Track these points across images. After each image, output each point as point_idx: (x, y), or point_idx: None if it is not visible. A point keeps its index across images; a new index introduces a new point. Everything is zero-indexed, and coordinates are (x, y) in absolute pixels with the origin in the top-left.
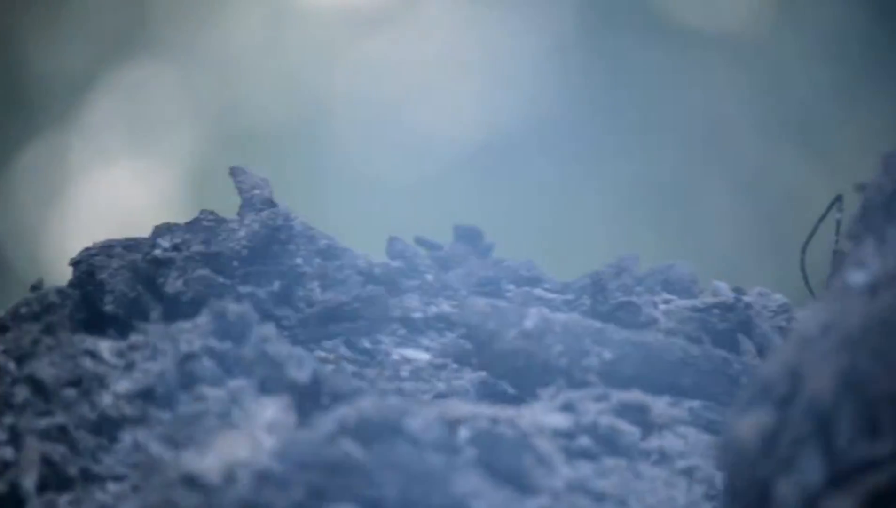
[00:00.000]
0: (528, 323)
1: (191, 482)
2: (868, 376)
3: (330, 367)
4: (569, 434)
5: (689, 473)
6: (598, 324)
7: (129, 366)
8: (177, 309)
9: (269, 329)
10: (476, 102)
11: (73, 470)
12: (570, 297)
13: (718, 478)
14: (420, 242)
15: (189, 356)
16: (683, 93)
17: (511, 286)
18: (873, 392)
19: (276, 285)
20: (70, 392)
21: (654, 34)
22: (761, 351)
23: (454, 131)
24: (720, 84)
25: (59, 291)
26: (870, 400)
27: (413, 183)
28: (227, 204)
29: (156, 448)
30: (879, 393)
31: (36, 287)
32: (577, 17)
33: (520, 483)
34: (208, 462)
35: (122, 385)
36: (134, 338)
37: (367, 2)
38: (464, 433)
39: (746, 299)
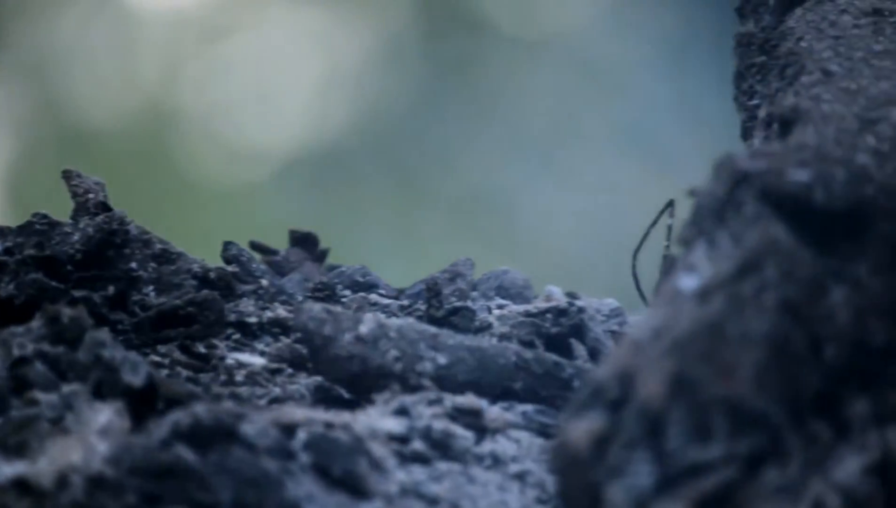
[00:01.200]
0: (364, 328)
1: (22, 487)
2: (698, 380)
3: (164, 372)
4: (403, 439)
5: (521, 477)
6: (432, 329)
7: None
8: (9, 313)
9: (103, 334)
10: (311, 106)
11: None
12: (405, 302)
13: (551, 482)
14: (255, 246)
15: (21, 361)
16: (519, 99)
17: (347, 292)
18: (704, 397)
19: (111, 290)
20: None
21: (489, 41)
22: (594, 355)
23: (288, 135)
24: (553, 90)
25: None
26: (700, 404)
27: (246, 187)
28: (54, 207)
29: None
30: (709, 397)
31: None
32: (413, 23)
33: (354, 488)
34: (40, 467)
35: None
36: None
37: (206, 8)
38: (299, 437)
39: (579, 303)
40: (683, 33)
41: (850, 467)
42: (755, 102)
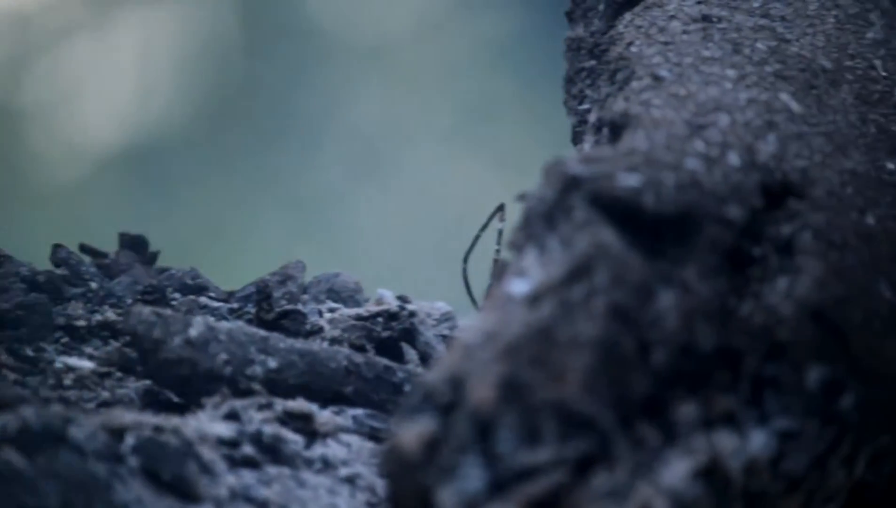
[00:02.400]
0: (193, 332)
1: None
2: (529, 384)
3: None
4: (233, 443)
5: (351, 481)
6: (262, 332)
7: None
8: None
9: None
10: (144, 106)
11: None
12: (235, 305)
13: (381, 486)
14: (85, 249)
15: None
16: (353, 104)
17: (176, 295)
18: (534, 401)
19: None
20: None
21: (320, 47)
22: (424, 359)
23: (116, 136)
24: (386, 94)
25: None
26: (530, 409)
27: (73, 189)
28: None
29: None
30: (540, 402)
31: None
32: (240, 28)
33: (183, 492)
34: None
35: None
36: None
37: (46, 8)
38: (128, 441)
39: (410, 307)
40: (518, 36)
41: (677, 470)
42: (585, 106)
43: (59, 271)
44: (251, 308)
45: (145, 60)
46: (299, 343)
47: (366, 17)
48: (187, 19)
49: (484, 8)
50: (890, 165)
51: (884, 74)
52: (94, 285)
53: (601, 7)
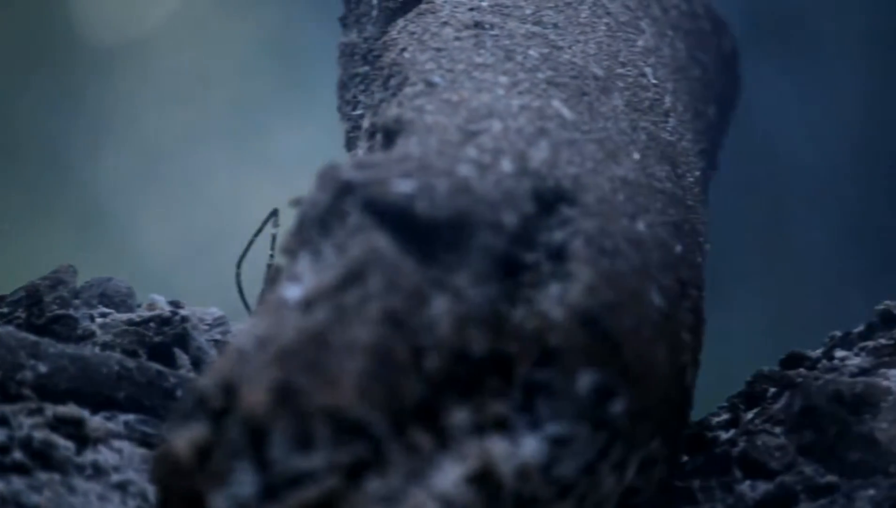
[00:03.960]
0: None
1: None
2: (302, 390)
3: None
4: (2, 448)
5: (123, 487)
6: (33, 337)
7: None
8: None
9: None
10: None
11: None
12: (4, 310)
13: (152, 492)
14: None
15: None
16: (128, 110)
17: None
18: (307, 406)
19: None
20: None
21: (84, 49)
22: (197, 365)
23: None
24: (163, 97)
25: None
26: (303, 414)
27: None
28: None
29: None
30: (313, 407)
31: None
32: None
33: None
34: None
35: None
36: None
37: None
38: None
39: (183, 312)
40: (292, 37)
41: (449, 476)
42: (359, 112)
43: None
44: (21, 313)
45: None
46: (70, 348)
47: (121, 19)
48: None
49: (252, 5)
50: (660, 172)
51: (654, 81)
52: None
53: (374, 13)
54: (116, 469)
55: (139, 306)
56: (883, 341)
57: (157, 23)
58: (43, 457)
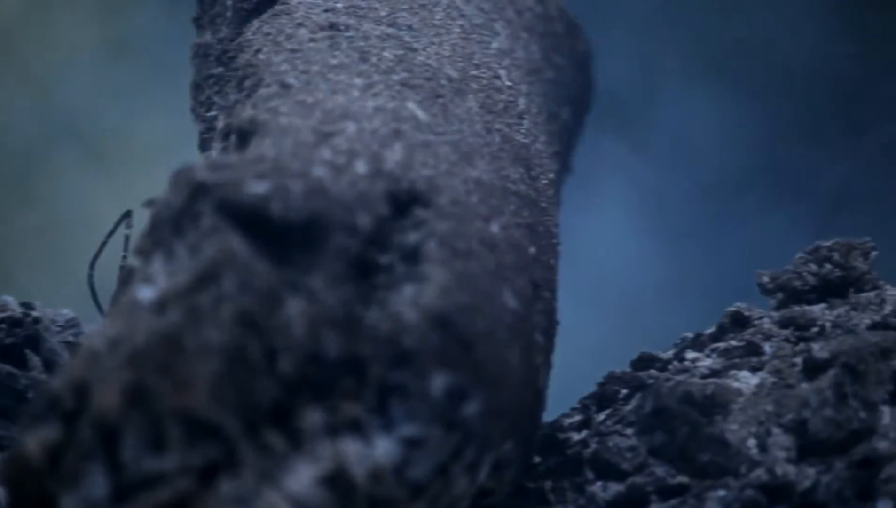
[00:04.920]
0: None
1: None
2: (155, 392)
3: None
4: None
5: None
6: None
7: None
8: None
9: None
10: None
11: None
12: None
13: (3, 495)
14: None
15: None
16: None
17: None
18: (159, 408)
19: None
20: None
21: None
22: (49, 367)
23: None
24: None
25: None
26: (156, 416)
27: None
28: None
29: None
30: (165, 409)
31: None
32: None
33: None
34: None
35: None
36: None
37: None
38: None
39: (34, 313)
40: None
41: (302, 477)
42: (213, 113)
43: None
44: None
45: None
46: None
47: None
48: None
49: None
50: (514, 174)
51: (508, 83)
52: None
53: (229, 14)
54: None
55: None
56: (733, 342)
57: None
58: None
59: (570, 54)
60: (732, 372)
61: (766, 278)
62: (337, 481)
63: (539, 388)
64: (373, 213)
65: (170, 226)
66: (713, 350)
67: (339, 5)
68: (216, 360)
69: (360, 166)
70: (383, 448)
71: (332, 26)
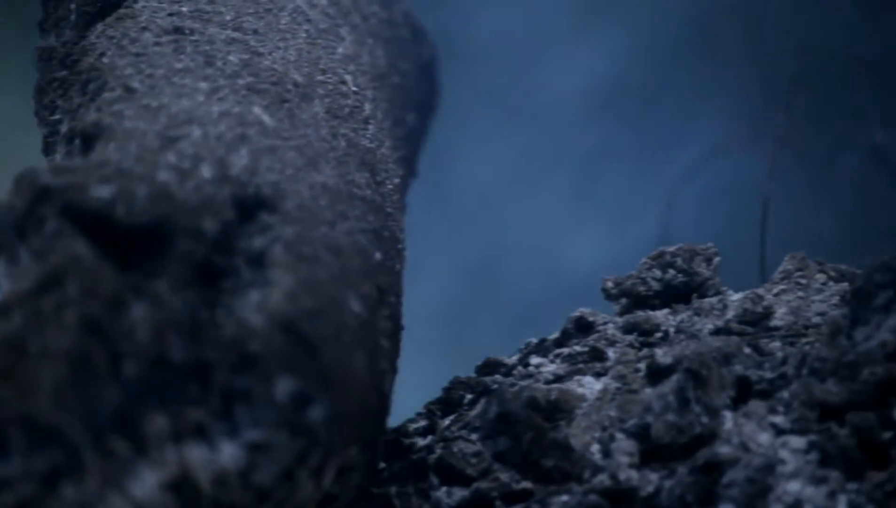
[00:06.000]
0: None
1: None
2: None
3: None
4: None
5: None
6: None
7: None
8: None
9: None
10: None
11: None
12: None
13: None
14: None
15: None
16: None
17: None
18: (2, 413)
19: None
20: None
21: None
22: None
23: None
24: None
25: None
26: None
27: None
28: None
29: None
30: (8, 414)
31: None
32: None
33: None
34: None
35: None
36: None
37: None
38: None
39: None
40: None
41: (147, 482)
42: (57, 117)
43: None
44: None
45: None
46: None
47: None
48: None
49: None
50: (359, 179)
51: (354, 88)
52: None
53: (73, 17)
54: None
55: None
56: (577, 348)
57: None
58: None
59: (415, 60)
60: (576, 378)
61: (610, 284)
62: (182, 486)
63: (384, 393)
64: (218, 218)
65: (13, 230)
66: (557, 356)
67: (185, 9)
68: (60, 365)
69: (206, 171)
70: (228, 454)
71: (177, 30)
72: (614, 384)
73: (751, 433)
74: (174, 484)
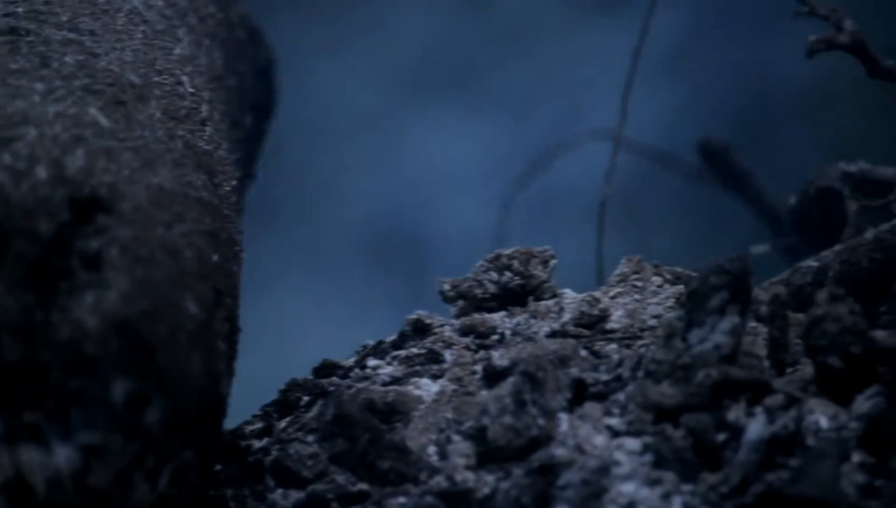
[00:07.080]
0: None
1: None
2: None
3: None
4: None
5: None
6: None
7: None
8: None
9: None
10: None
11: None
12: None
13: None
14: None
15: None
16: None
17: None
18: None
19: None
20: None
21: None
22: None
23: None
24: None
25: None
26: None
27: None
28: None
29: None
30: None
31: None
32: None
33: None
34: None
35: None
36: None
37: None
38: None
39: None
40: None
41: None
42: None
43: None
44: None
45: None
46: None
47: None
48: None
49: None
50: (196, 181)
51: (191, 90)
52: None
53: None
54: None
55: None
56: (415, 350)
57: None
58: None
59: (252, 62)
60: (413, 380)
61: (446, 286)
62: (16, 489)
63: (221, 395)
64: (54, 219)
65: None
66: (394, 358)
67: (20, 9)
68: None
69: (41, 172)
70: (63, 456)
71: (13, 31)
72: (451, 387)
73: (586, 436)
74: (7, 486)
